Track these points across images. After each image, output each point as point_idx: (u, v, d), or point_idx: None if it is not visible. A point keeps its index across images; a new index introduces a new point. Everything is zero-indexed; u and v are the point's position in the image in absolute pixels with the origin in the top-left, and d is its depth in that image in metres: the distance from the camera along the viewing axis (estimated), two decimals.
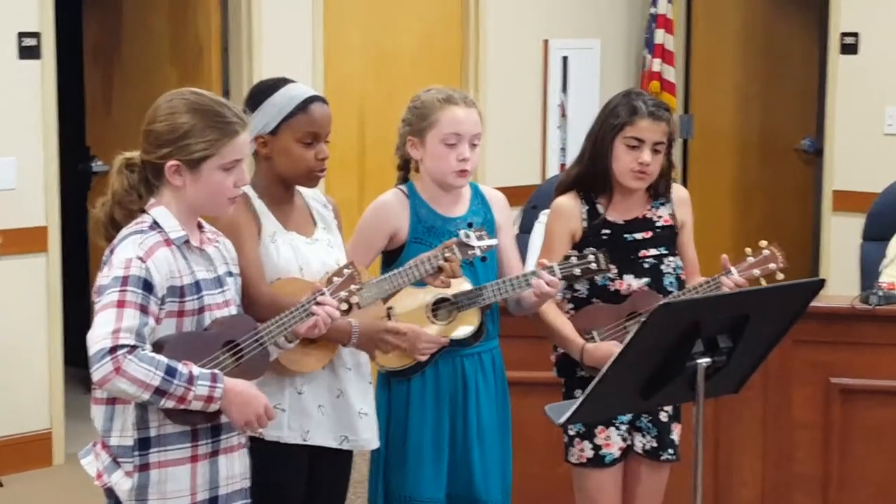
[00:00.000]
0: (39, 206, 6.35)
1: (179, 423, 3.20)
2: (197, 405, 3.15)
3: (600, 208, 4.08)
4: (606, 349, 3.89)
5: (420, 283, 3.88)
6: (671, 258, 4.10)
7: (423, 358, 3.90)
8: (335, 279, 3.45)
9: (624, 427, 4.08)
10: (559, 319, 4.04)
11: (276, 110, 3.66)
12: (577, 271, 3.88)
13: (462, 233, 3.84)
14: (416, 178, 4.06)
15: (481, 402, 4.01)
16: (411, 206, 3.99)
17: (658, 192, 4.12)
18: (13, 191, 6.26)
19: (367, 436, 3.77)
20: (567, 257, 3.91)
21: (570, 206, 4.09)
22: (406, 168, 4.07)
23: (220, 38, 6.97)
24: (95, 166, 7.36)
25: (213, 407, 3.18)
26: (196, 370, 3.15)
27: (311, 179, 3.73)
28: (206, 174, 3.25)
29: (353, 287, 3.45)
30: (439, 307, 3.95)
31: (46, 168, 6.35)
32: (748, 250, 4.02)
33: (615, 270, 3.99)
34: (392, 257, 3.98)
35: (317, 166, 3.69)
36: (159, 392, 3.09)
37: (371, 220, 4.02)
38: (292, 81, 3.75)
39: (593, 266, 3.88)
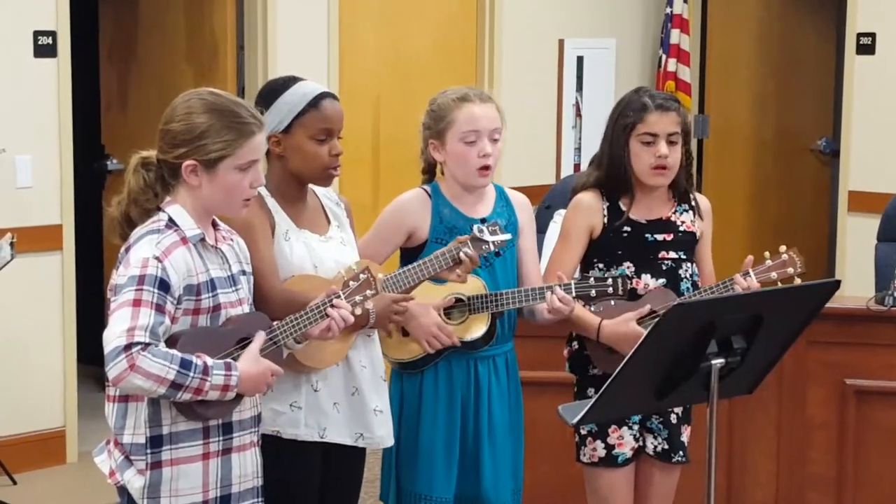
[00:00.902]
0: (54, 204, 6.36)
1: (192, 419, 3.21)
2: (214, 395, 3.16)
3: (623, 206, 4.08)
4: (626, 326, 3.89)
5: (438, 281, 3.88)
6: (689, 264, 4.09)
7: (431, 350, 3.90)
8: (351, 283, 3.44)
9: (636, 427, 4.07)
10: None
11: (287, 108, 3.66)
12: (594, 293, 3.89)
13: (475, 228, 3.84)
14: (441, 180, 4.06)
15: (493, 406, 4.00)
16: (434, 205, 3.99)
17: (681, 190, 4.11)
18: (29, 189, 6.27)
19: (381, 433, 3.77)
20: (587, 277, 3.92)
21: (591, 201, 4.09)
22: (431, 172, 4.07)
23: (235, 37, 6.98)
24: (111, 165, 7.38)
25: (230, 395, 3.20)
26: (210, 361, 3.16)
27: (325, 177, 3.72)
28: (222, 174, 3.25)
29: (368, 292, 3.45)
30: (453, 307, 3.95)
31: (62, 166, 6.36)
32: (767, 254, 4.01)
33: (632, 269, 3.99)
34: (412, 256, 3.96)
35: (331, 163, 3.69)
36: (175, 386, 3.10)
37: (389, 217, 4.02)
38: (302, 79, 3.75)
39: (610, 290, 3.88)
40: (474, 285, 3.91)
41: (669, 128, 4.01)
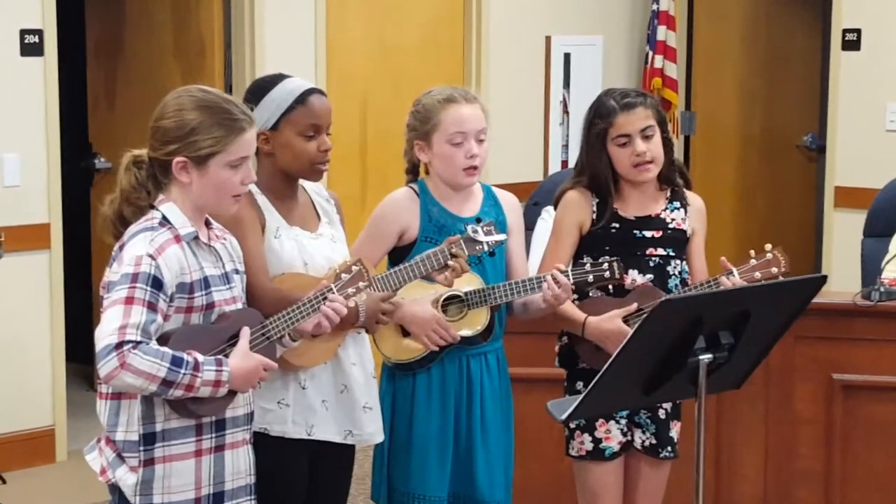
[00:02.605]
0: (42, 202, 6.35)
1: (185, 417, 3.22)
2: (205, 391, 3.17)
3: (611, 203, 4.09)
4: (611, 324, 3.91)
5: (431, 280, 3.87)
6: (678, 261, 4.10)
7: (435, 347, 3.89)
8: (343, 276, 3.45)
9: (623, 421, 4.09)
10: None
11: (274, 105, 3.67)
12: (591, 278, 3.88)
13: (469, 228, 3.83)
14: (427, 178, 4.05)
15: (486, 403, 4.00)
16: (422, 204, 3.98)
17: (670, 180, 4.13)
18: (16, 188, 6.27)
19: (371, 430, 3.78)
20: (582, 263, 3.92)
21: (580, 198, 4.10)
22: (414, 172, 4.06)
23: (222, 34, 6.97)
24: (98, 163, 7.36)
25: (222, 391, 3.20)
26: (201, 357, 3.17)
27: (314, 173, 3.72)
28: (213, 171, 3.26)
29: (360, 284, 3.45)
30: (450, 303, 3.94)
31: (49, 165, 6.36)
32: (752, 252, 4.02)
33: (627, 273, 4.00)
34: (401, 255, 3.95)
35: (319, 158, 3.69)
36: (166, 383, 3.10)
37: (381, 217, 4.00)
38: (289, 76, 3.75)
39: (607, 274, 3.88)
40: (470, 280, 3.91)
41: (640, 124, 4.03)
